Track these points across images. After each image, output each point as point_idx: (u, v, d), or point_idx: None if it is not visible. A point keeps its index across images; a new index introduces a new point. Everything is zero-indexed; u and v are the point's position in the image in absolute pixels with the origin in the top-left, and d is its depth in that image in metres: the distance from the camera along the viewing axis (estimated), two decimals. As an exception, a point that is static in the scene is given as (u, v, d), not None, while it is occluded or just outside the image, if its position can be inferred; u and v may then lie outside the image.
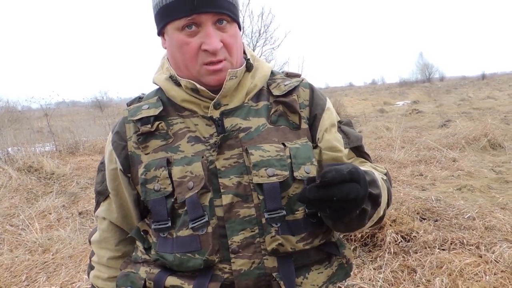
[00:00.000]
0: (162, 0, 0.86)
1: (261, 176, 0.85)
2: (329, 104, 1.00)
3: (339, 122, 1.00)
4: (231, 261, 0.84)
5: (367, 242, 2.85)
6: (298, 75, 1.02)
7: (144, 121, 0.92)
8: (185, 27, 0.85)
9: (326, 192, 0.66)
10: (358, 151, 0.99)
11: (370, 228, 0.92)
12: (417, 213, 3.18)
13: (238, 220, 0.85)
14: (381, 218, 0.89)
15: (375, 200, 0.80)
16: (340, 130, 0.98)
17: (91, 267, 1.07)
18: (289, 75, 1.02)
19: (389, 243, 2.72)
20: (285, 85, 0.96)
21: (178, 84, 0.93)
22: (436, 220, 3.11)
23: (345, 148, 0.96)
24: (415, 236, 2.78)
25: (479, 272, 2.29)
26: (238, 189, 0.86)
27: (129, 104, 1.00)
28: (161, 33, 0.93)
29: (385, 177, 0.92)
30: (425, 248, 2.65)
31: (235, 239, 0.85)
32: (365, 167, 0.89)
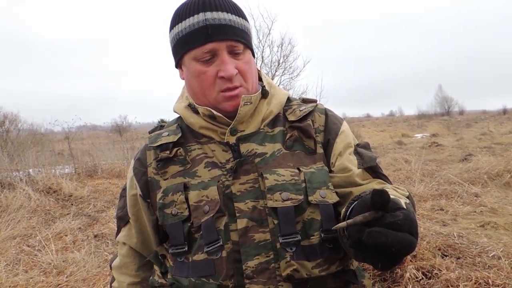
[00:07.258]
0: (179, 33, 0.89)
1: (276, 200, 0.85)
2: (344, 127, 0.99)
3: (357, 145, 0.98)
4: (246, 287, 0.83)
5: (386, 277, 2.75)
6: (314, 101, 1.03)
7: (163, 147, 0.94)
8: (201, 58, 0.87)
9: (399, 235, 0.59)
10: (374, 172, 0.93)
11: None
12: (439, 249, 3.07)
13: (253, 244, 0.84)
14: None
15: None
16: (356, 152, 0.96)
17: None
18: (305, 101, 1.03)
19: (409, 279, 2.62)
20: (300, 110, 0.96)
21: (196, 111, 0.96)
22: (459, 258, 2.98)
23: (358, 168, 0.92)
24: (437, 274, 2.67)
25: (506, 314, 2.17)
26: (253, 213, 0.86)
27: (150, 132, 1.03)
28: (178, 65, 0.96)
29: (407, 201, 0.87)
30: (448, 286, 2.53)
31: (249, 264, 0.83)
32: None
